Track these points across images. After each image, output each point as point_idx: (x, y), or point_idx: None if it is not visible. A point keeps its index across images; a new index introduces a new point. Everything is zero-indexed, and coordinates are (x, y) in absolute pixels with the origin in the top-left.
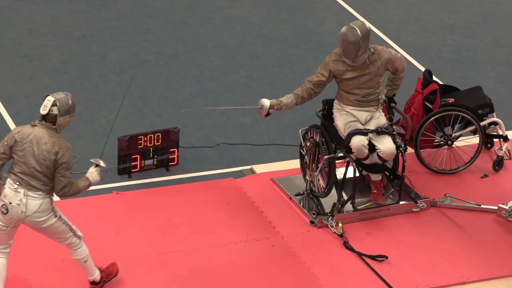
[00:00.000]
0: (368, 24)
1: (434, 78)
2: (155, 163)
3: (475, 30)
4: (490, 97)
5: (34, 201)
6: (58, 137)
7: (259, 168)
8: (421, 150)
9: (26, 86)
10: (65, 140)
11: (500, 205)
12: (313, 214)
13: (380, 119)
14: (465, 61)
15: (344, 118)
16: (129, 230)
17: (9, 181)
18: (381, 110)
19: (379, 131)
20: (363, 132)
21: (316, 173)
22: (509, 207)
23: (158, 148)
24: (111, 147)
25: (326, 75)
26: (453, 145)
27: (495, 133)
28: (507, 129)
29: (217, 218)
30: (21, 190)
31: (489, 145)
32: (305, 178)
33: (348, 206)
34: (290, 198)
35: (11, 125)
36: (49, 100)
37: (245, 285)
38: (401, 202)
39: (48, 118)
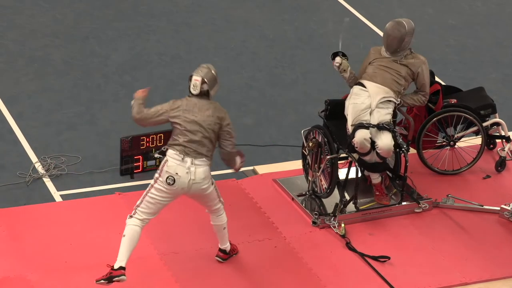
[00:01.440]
0: (412, 23)
1: (437, 79)
2: (157, 163)
3: (478, 31)
4: (493, 98)
5: (200, 168)
6: (215, 103)
7: (262, 169)
8: (423, 151)
9: (28, 87)
10: (219, 104)
11: (503, 206)
12: (316, 214)
13: (386, 116)
14: (468, 62)
15: (356, 108)
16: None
17: (172, 153)
18: (391, 109)
19: (380, 127)
20: (366, 126)
21: (318, 174)
22: None
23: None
24: (113, 148)
25: (366, 65)
26: (456, 146)
27: (498, 134)
28: (509, 130)
29: None
30: (188, 159)
31: (491, 146)
32: (307, 179)
33: (351, 207)
34: (292, 199)
35: (14, 125)
36: (197, 79)
37: (247, 286)
38: (404, 203)
39: (201, 94)
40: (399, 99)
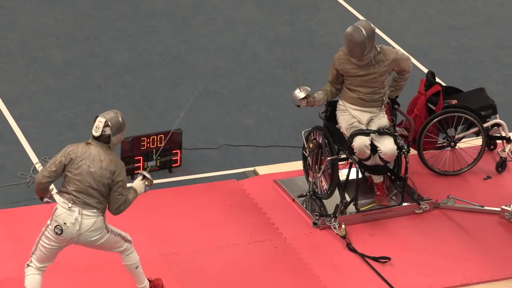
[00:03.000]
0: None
1: (437, 80)
2: (158, 164)
3: (478, 32)
4: (493, 99)
5: (88, 220)
6: (113, 154)
7: (262, 170)
8: (424, 152)
9: (29, 88)
10: (118, 158)
11: (503, 207)
12: (316, 215)
13: (382, 120)
14: (468, 63)
15: (347, 119)
16: (132, 232)
17: (62, 201)
18: (384, 112)
19: (380, 132)
20: (365, 133)
21: (319, 175)
22: None
23: (161, 150)
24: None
25: (335, 72)
26: (456, 147)
27: (498, 135)
28: (510, 131)
29: (220, 220)
30: (76, 209)
31: (492, 147)
32: (308, 180)
33: (351, 208)
34: (293, 200)
35: (14, 126)
36: (100, 121)
37: (248, 286)
38: (404, 204)
39: (102, 139)
40: (386, 98)
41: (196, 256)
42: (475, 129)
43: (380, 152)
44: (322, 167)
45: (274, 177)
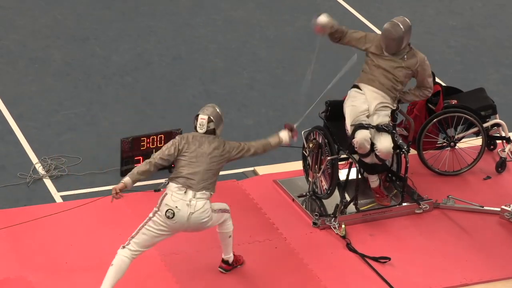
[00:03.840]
0: (407, 21)
1: (437, 80)
2: None
3: (478, 32)
4: (493, 99)
5: (200, 202)
6: (221, 139)
7: (262, 170)
8: (424, 152)
9: (29, 88)
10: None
11: (503, 207)
12: (316, 215)
13: (385, 118)
14: (468, 63)
15: (354, 113)
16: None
17: (173, 186)
18: (389, 113)
19: (379, 128)
20: (365, 127)
21: (319, 175)
22: None
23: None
24: (114, 149)
25: (361, 36)
26: (456, 147)
27: (498, 135)
28: (510, 131)
29: None
30: (190, 192)
31: (492, 147)
32: (307, 180)
33: (351, 208)
34: (293, 200)
35: (14, 126)
36: (203, 118)
37: (248, 286)
38: (404, 204)
39: (207, 133)
40: (395, 105)
41: (196, 256)
42: (475, 129)
43: (376, 150)
44: (322, 167)
45: (274, 177)
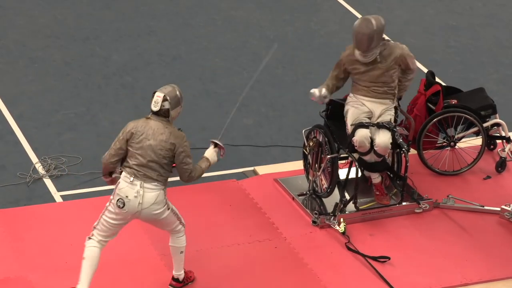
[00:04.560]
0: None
1: (437, 80)
2: None
3: (478, 32)
4: (493, 99)
5: (150, 193)
6: (172, 127)
7: (262, 169)
8: (424, 151)
9: (29, 88)
10: (177, 129)
11: (503, 207)
12: (315, 214)
13: (387, 116)
14: (468, 63)
15: (356, 113)
16: (132, 232)
17: (124, 175)
18: (393, 108)
19: (380, 125)
20: (365, 125)
21: (319, 173)
22: None
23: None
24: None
25: (340, 70)
26: (456, 147)
27: (498, 135)
28: (510, 130)
29: (220, 220)
30: (138, 182)
31: (492, 147)
32: (308, 178)
33: (351, 206)
34: (293, 198)
35: (14, 126)
36: (159, 96)
37: (248, 286)
38: (404, 203)
39: (161, 113)
40: (396, 102)
41: (196, 256)
42: (475, 129)
43: (374, 144)
44: (322, 165)
45: (274, 177)
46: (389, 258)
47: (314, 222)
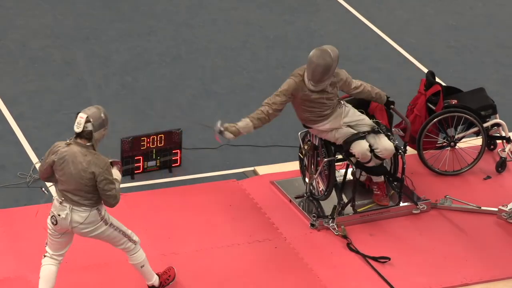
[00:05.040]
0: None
1: (437, 80)
2: (158, 164)
3: (478, 32)
4: (493, 99)
5: (79, 215)
6: (93, 154)
7: (262, 170)
8: (424, 152)
9: (29, 88)
10: (100, 155)
11: (500, 207)
12: (314, 216)
13: (350, 113)
14: (468, 63)
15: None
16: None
17: (55, 195)
18: (345, 106)
19: (375, 131)
20: (361, 137)
21: (316, 176)
22: (509, 209)
23: (161, 150)
24: (114, 149)
25: (286, 97)
26: (456, 147)
27: (498, 135)
28: (510, 130)
29: (220, 220)
30: (67, 205)
31: (492, 147)
32: (304, 181)
33: (349, 209)
34: (290, 201)
35: (14, 126)
36: (82, 117)
37: (248, 286)
38: (402, 204)
39: (83, 135)
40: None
41: (196, 256)
42: (475, 129)
43: (378, 151)
44: (319, 168)
45: (274, 177)
46: (389, 259)
47: (312, 225)
